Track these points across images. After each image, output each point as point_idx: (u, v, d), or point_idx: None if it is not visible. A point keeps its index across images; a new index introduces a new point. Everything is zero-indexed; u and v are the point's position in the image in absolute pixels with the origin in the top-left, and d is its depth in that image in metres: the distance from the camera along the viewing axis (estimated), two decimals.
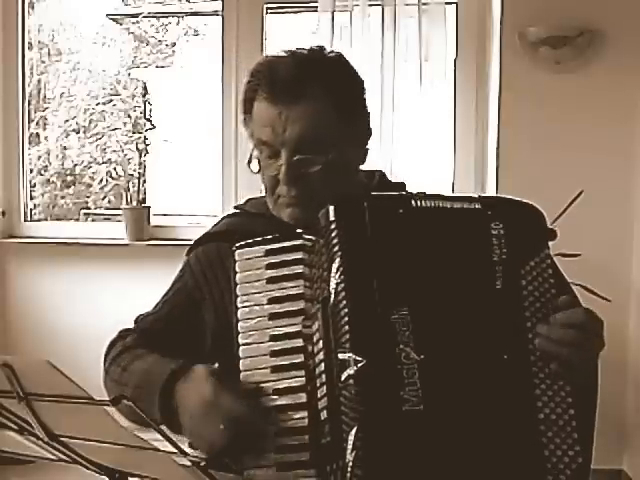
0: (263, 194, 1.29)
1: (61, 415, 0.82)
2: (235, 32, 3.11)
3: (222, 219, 1.36)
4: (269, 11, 3.15)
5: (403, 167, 2.91)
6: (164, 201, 4.84)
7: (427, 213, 1.04)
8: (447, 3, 2.96)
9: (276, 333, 1.06)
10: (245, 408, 1.02)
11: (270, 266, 1.09)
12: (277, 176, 1.18)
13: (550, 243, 1.06)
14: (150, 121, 4.86)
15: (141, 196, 4.18)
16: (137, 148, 4.31)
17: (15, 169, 3.31)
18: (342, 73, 1.21)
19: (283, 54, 1.19)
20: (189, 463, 0.85)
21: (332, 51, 1.23)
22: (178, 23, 5.62)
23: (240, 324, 1.08)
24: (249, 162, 1.24)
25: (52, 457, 0.93)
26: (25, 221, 3.34)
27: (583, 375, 1.02)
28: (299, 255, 1.08)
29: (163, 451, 0.82)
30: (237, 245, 1.12)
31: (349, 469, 0.92)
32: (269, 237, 1.11)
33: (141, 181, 4.38)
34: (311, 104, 1.15)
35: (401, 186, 1.34)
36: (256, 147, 1.22)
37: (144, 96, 5.07)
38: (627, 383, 2.82)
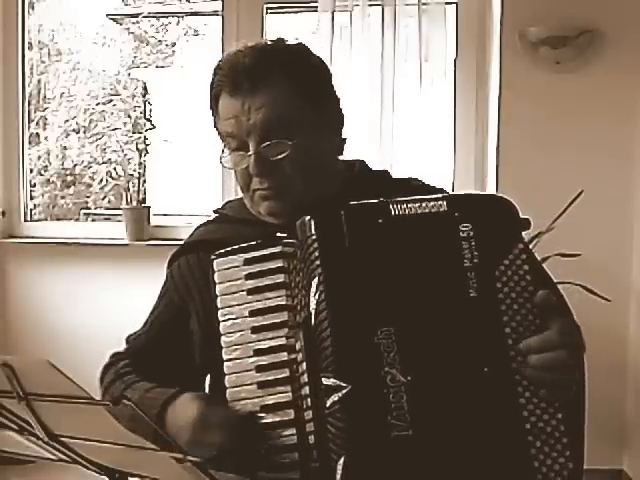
0: (237, 198, 1.27)
1: (61, 415, 0.82)
2: (235, 32, 3.11)
3: (200, 226, 1.33)
4: (269, 11, 3.15)
5: (403, 167, 2.91)
6: (164, 201, 4.83)
7: (404, 221, 0.99)
8: (447, 3, 2.96)
9: (260, 347, 1.04)
10: (232, 421, 1.01)
11: (250, 276, 1.06)
12: (248, 169, 1.15)
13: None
14: (150, 121, 4.86)
15: (141, 196, 4.17)
16: (137, 148, 4.30)
17: (15, 169, 3.31)
18: (303, 59, 1.19)
19: (242, 48, 1.18)
20: (189, 463, 0.85)
21: (293, 41, 1.22)
22: (178, 23, 5.62)
23: (223, 338, 1.06)
24: (220, 159, 1.21)
25: (52, 457, 0.92)
26: (25, 221, 3.34)
27: (570, 389, 0.99)
28: (279, 263, 1.05)
29: (163, 451, 0.82)
30: (215, 254, 1.09)
31: None
32: (248, 244, 1.08)
33: (141, 181, 4.37)
34: (273, 90, 1.13)
35: (384, 174, 1.31)
36: (224, 141, 1.20)
37: (144, 96, 5.07)
38: (627, 383, 2.82)
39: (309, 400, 0.98)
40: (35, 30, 4.33)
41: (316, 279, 0.97)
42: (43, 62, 4.89)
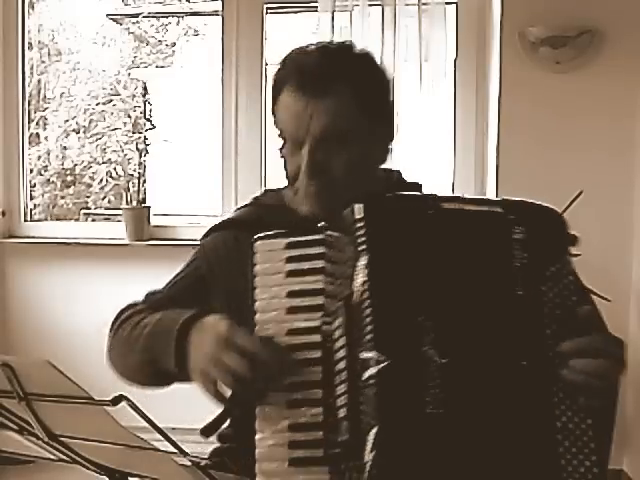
0: (280, 187, 1.31)
1: (61, 415, 0.82)
2: (235, 32, 3.11)
3: (240, 208, 1.37)
4: (269, 11, 3.15)
5: (403, 167, 2.90)
6: (164, 201, 4.84)
7: (454, 215, 1.02)
8: (447, 3, 2.96)
9: (294, 327, 1.04)
10: (259, 344, 1.01)
11: (290, 259, 1.07)
12: (299, 168, 1.20)
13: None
14: (150, 121, 4.86)
15: (141, 196, 4.17)
16: (137, 148, 4.31)
17: (15, 169, 3.30)
18: (370, 71, 1.24)
19: (313, 47, 1.22)
20: (189, 463, 0.85)
21: (361, 48, 1.26)
22: (178, 23, 5.63)
23: (257, 316, 1.06)
24: (281, 150, 1.25)
25: (52, 457, 0.93)
26: (25, 221, 3.34)
27: (603, 399, 1.01)
28: (321, 250, 1.05)
29: (163, 451, 0.82)
30: (258, 236, 1.09)
31: (367, 468, 0.91)
32: (291, 230, 1.09)
33: (141, 181, 4.38)
34: (337, 99, 1.17)
35: (417, 186, 1.36)
36: (280, 137, 1.24)
37: (144, 96, 5.08)
38: (627, 383, 2.81)
39: (344, 374, 0.98)
40: (35, 30, 4.34)
41: (364, 257, 0.98)
42: (43, 62, 4.90)
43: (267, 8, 3.13)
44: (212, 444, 1.35)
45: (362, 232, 1.00)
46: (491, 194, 2.81)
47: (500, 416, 0.96)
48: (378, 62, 1.26)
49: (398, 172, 1.37)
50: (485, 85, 2.98)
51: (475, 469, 0.94)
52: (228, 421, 1.15)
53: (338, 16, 2.92)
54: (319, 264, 1.05)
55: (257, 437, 1.01)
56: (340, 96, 1.17)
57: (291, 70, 1.20)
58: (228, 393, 1.03)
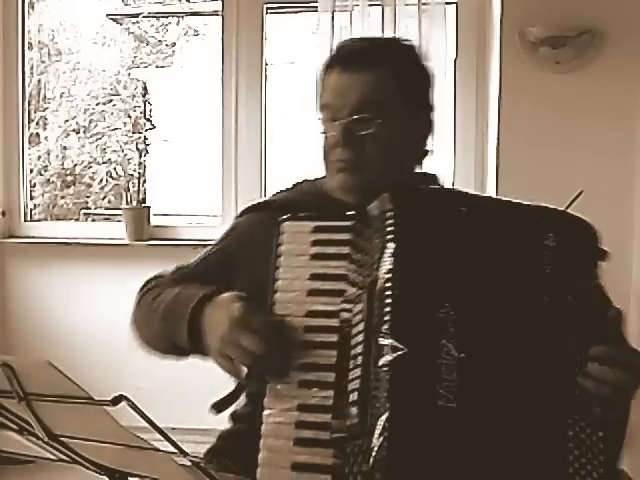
0: (316, 177, 1.33)
1: (61, 415, 0.82)
2: (235, 32, 3.11)
3: (279, 192, 1.39)
4: (269, 11, 3.15)
5: None
6: (164, 201, 4.84)
7: (486, 215, 1.03)
8: (447, 3, 2.96)
9: (312, 309, 1.04)
10: (273, 325, 1.02)
11: (316, 243, 1.07)
12: (334, 139, 1.23)
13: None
14: (150, 121, 4.87)
15: (141, 196, 4.18)
16: (137, 148, 4.31)
17: (15, 169, 3.31)
18: (411, 59, 1.29)
19: (360, 37, 1.32)
20: (189, 463, 0.85)
21: (408, 40, 1.32)
22: (178, 23, 5.63)
23: (277, 295, 1.06)
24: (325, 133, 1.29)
25: (52, 457, 0.93)
26: (25, 221, 3.34)
27: (617, 411, 1.00)
28: (347, 236, 1.06)
29: (163, 451, 0.82)
30: (285, 217, 1.10)
31: (374, 453, 0.91)
32: (320, 214, 1.10)
33: (141, 181, 4.38)
34: (377, 75, 1.22)
35: None
36: (321, 111, 1.27)
37: (144, 96, 5.08)
38: None
39: (360, 359, 0.98)
40: (35, 30, 4.34)
41: (391, 246, 0.98)
42: (43, 62, 4.90)
43: (267, 8, 3.13)
44: (208, 444, 1.35)
45: (391, 222, 1.00)
46: (491, 194, 2.81)
47: (512, 418, 0.96)
48: (420, 56, 1.31)
49: (435, 176, 1.40)
50: (485, 85, 2.98)
51: (480, 467, 0.94)
52: (245, 401, 1.16)
53: (338, 16, 2.92)
54: (344, 250, 1.06)
55: (265, 413, 1.02)
56: (381, 73, 1.22)
57: (338, 55, 1.26)
58: (244, 371, 1.03)
